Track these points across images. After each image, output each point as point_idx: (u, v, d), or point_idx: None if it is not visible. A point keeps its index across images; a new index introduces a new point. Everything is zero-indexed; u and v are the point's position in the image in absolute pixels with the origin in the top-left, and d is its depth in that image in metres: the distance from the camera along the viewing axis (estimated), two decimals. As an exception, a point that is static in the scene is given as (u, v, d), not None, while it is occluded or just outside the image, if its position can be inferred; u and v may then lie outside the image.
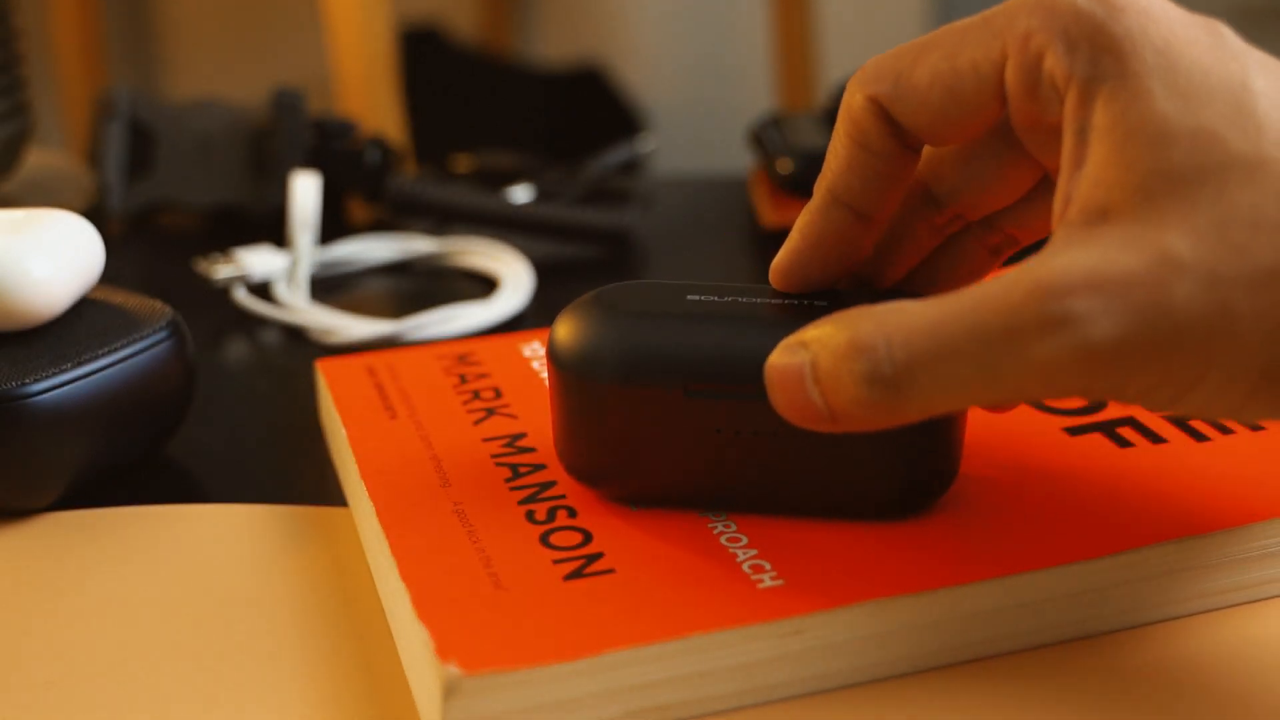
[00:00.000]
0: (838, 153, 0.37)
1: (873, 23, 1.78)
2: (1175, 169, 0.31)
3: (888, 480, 0.36)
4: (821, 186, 0.37)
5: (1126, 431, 0.40)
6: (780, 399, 0.33)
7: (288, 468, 0.46)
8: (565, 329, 0.37)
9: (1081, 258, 0.30)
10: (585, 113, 1.70)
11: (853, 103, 0.36)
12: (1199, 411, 0.31)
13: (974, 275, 0.39)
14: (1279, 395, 0.30)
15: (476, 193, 0.66)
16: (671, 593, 0.33)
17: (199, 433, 0.48)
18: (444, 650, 0.31)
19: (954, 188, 0.38)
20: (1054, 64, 0.33)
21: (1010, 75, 0.33)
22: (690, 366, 0.36)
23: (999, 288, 0.31)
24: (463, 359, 0.47)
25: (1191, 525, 0.35)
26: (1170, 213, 0.30)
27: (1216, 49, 0.33)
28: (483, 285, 0.62)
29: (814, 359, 0.32)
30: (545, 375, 0.46)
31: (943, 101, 0.35)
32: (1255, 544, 0.36)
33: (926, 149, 0.37)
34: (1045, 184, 0.37)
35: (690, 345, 0.36)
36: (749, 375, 0.35)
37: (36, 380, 0.41)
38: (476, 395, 0.44)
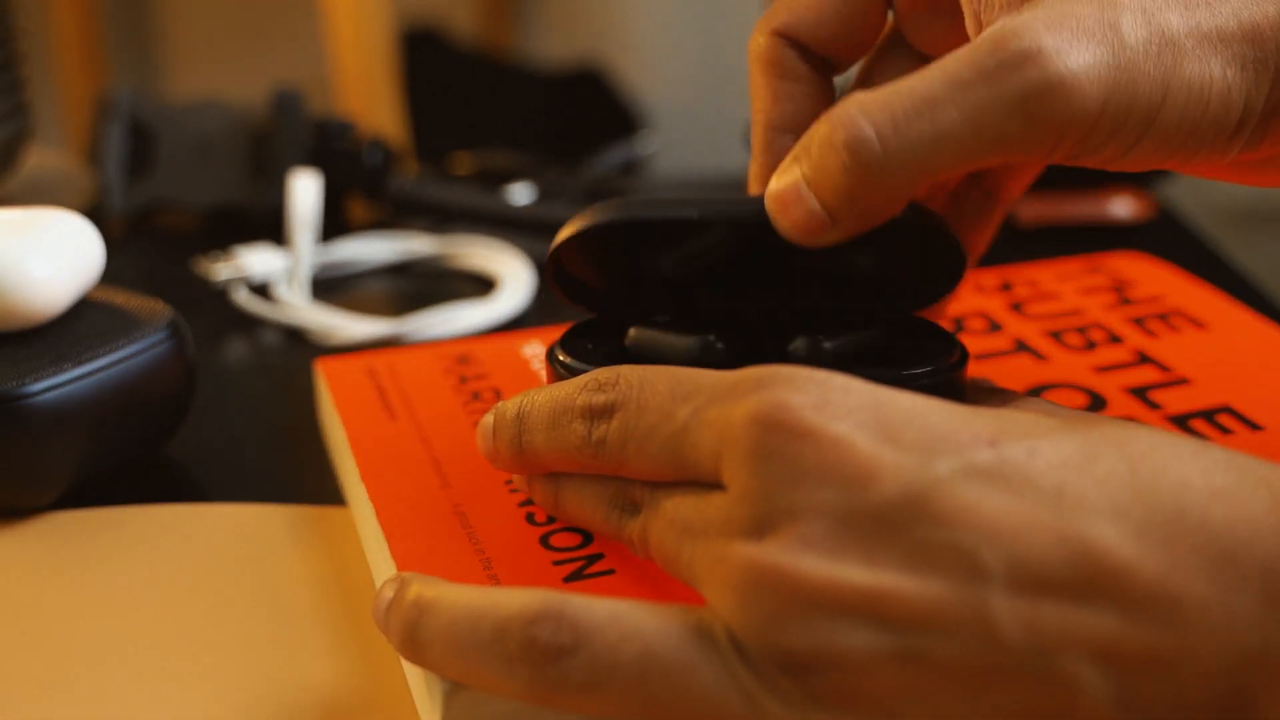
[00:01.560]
0: (761, 93, 0.39)
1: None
2: None
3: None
4: (758, 127, 0.39)
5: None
6: (784, 223, 0.34)
7: (287, 467, 0.46)
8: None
9: (1034, 12, 0.31)
10: (585, 113, 1.70)
11: (761, 42, 0.39)
12: (1160, 148, 0.32)
13: None
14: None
15: (476, 193, 0.66)
16: (671, 593, 0.33)
17: (199, 433, 0.48)
18: (444, 651, 0.31)
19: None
20: None
21: None
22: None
23: (965, 49, 0.32)
24: (463, 360, 0.47)
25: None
26: None
27: None
28: (483, 285, 0.62)
29: (803, 169, 0.33)
30: (545, 376, 0.46)
31: (834, 13, 0.38)
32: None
33: None
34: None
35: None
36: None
37: (36, 380, 0.41)
38: (476, 396, 0.44)
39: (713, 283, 0.39)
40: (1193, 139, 0.32)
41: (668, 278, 0.39)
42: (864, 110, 0.31)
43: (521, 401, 0.35)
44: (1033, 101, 0.31)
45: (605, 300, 0.39)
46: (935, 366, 0.36)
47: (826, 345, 0.36)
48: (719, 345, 0.36)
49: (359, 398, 0.44)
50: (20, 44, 0.71)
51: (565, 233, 0.37)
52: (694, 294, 0.39)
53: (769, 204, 0.34)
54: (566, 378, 0.36)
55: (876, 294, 0.38)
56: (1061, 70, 0.30)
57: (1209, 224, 0.74)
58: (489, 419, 0.36)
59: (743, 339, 0.37)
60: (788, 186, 0.33)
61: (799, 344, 0.36)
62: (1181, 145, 0.32)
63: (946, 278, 0.37)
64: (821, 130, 0.32)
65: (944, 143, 0.31)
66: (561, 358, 0.37)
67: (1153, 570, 0.26)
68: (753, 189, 0.39)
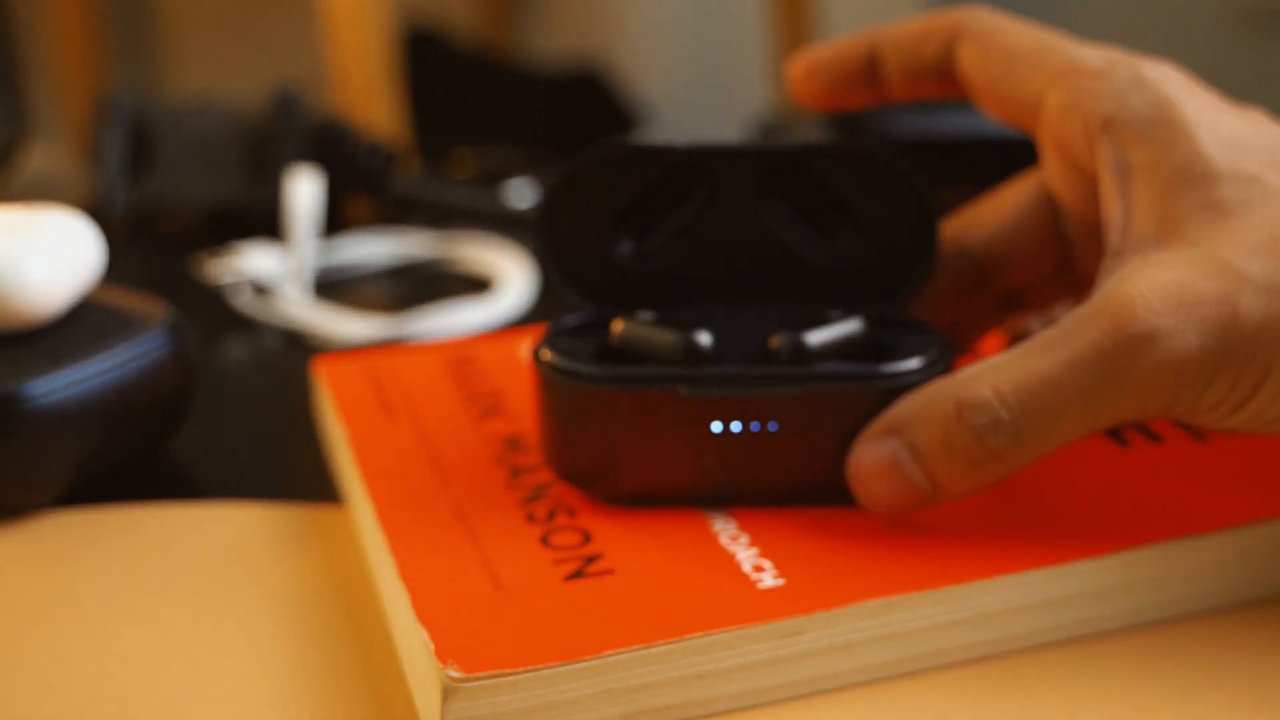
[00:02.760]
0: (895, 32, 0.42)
1: (872, 23, 1.78)
2: (1223, 201, 0.34)
3: None
4: (863, 40, 0.42)
5: (1126, 431, 0.40)
6: (873, 492, 0.34)
7: (287, 467, 0.46)
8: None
9: (1151, 279, 0.33)
10: (585, 113, 1.70)
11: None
12: (1253, 419, 0.34)
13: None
14: None
15: (476, 193, 0.66)
16: (671, 593, 0.33)
17: (199, 433, 0.48)
18: (444, 652, 0.31)
19: (996, 262, 0.41)
20: (1096, 101, 0.36)
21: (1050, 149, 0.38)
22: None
23: (1082, 323, 0.33)
24: (462, 359, 0.47)
25: (1191, 525, 0.35)
26: (1224, 235, 0.33)
27: (1254, 121, 0.36)
28: (483, 285, 0.62)
29: (910, 441, 0.34)
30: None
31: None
32: (1258, 543, 0.36)
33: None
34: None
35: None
36: None
37: (36, 380, 0.41)
38: (477, 396, 0.44)
39: (696, 252, 0.40)
40: None
41: (650, 246, 0.40)
42: (998, 395, 0.33)
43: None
44: (1146, 385, 0.33)
45: (592, 274, 0.40)
46: (919, 363, 0.36)
47: (805, 339, 0.36)
48: (704, 343, 0.36)
49: (358, 397, 0.44)
50: (20, 44, 0.71)
51: (553, 190, 0.38)
52: (677, 262, 0.40)
53: (853, 471, 0.35)
54: (551, 379, 0.36)
55: (855, 276, 0.39)
56: (1173, 355, 0.32)
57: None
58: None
59: (727, 333, 0.37)
60: (883, 457, 0.34)
61: (781, 339, 0.36)
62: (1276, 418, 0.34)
63: (921, 263, 0.39)
64: (942, 407, 0.34)
65: (1064, 423, 0.33)
66: (545, 357, 0.37)
67: None
68: (824, 52, 0.42)
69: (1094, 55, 0.38)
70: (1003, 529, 0.35)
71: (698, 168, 0.39)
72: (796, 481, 0.36)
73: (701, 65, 1.87)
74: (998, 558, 0.34)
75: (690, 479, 0.36)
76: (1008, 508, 0.36)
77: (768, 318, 0.38)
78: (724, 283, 0.40)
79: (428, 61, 1.71)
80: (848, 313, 0.37)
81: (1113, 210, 0.36)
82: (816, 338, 0.36)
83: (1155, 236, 0.34)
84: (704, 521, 0.36)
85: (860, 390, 0.35)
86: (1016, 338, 0.43)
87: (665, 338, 0.36)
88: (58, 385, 0.41)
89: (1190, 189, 0.34)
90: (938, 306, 0.41)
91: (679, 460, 0.36)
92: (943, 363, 0.36)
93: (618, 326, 0.38)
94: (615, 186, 0.39)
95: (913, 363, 0.36)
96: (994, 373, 0.33)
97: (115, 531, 0.42)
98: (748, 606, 0.33)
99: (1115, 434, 0.40)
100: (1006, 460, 0.33)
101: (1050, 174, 0.39)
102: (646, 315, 0.38)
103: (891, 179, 0.38)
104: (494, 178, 0.68)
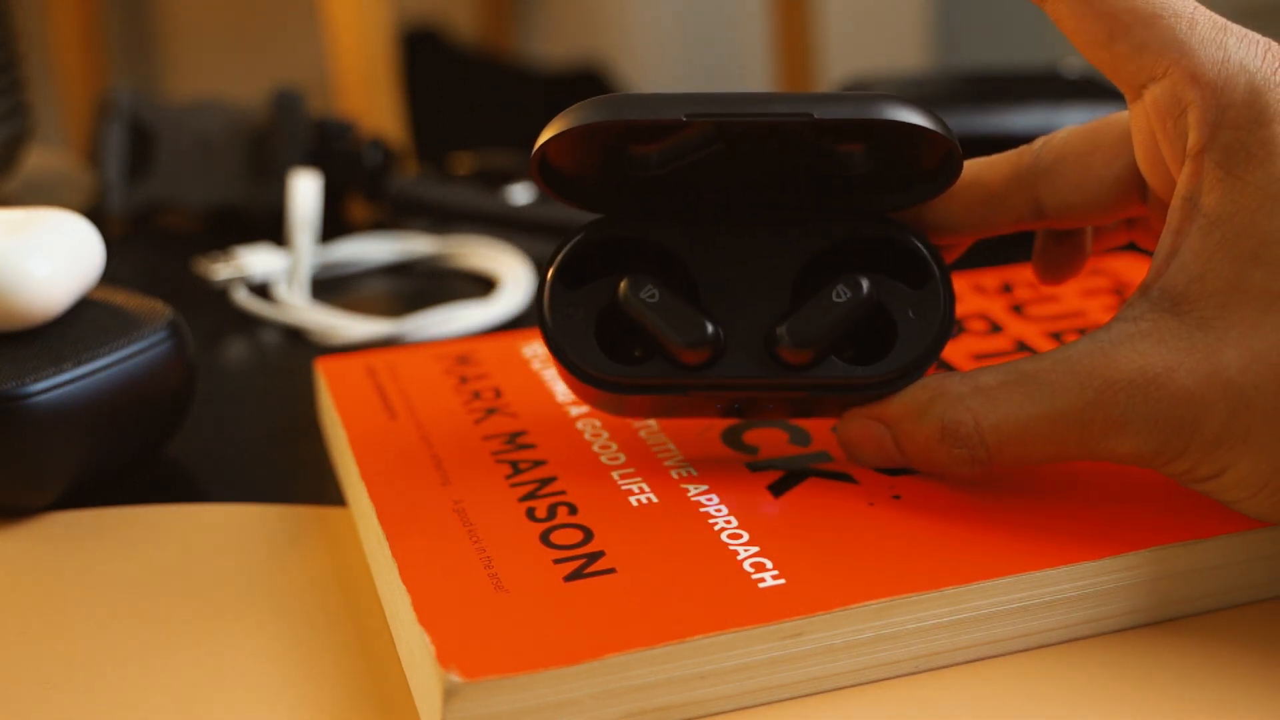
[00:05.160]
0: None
1: (873, 23, 1.78)
2: (1254, 288, 0.33)
3: None
4: None
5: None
6: (856, 453, 0.38)
7: (287, 468, 0.46)
8: None
9: (1147, 355, 0.34)
10: (585, 113, 1.69)
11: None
12: (1222, 497, 0.35)
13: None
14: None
15: (476, 193, 0.66)
16: (671, 593, 0.33)
17: (199, 433, 0.48)
18: (444, 656, 0.31)
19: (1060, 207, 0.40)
20: (1195, 121, 0.34)
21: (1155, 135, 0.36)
22: None
23: (1073, 377, 0.34)
24: (463, 359, 0.47)
25: (1192, 529, 0.35)
26: (1234, 329, 0.33)
27: None
28: (483, 285, 0.62)
29: (896, 436, 0.37)
30: (545, 373, 0.46)
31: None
32: (1258, 549, 0.36)
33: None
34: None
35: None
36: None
37: (36, 380, 0.41)
38: (477, 395, 0.44)
39: (699, 178, 0.39)
40: None
41: (653, 174, 0.38)
42: (979, 431, 0.36)
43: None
44: (1115, 456, 0.35)
45: (590, 196, 0.39)
46: (915, 361, 0.37)
47: (810, 332, 0.37)
48: (710, 342, 0.37)
49: (359, 397, 0.44)
50: (20, 44, 0.71)
51: (547, 133, 0.36)
52: (679, 188, 0.39)
53: (844, 432, 0.38)
54: (562, 364, 0.38)
55: (868, 190, 0.39)
56: (1136, 445, 0.34)
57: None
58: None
59: (733, 314, 0.37)
60: (870, 434, 0.38)
61: (782, 330, 0.37)
62: None
63: (941, 173, 0.38)
64: (930, 426, 0.36)
65: (1033, 459, 0.36)
66: (551, 327, 0.38)
67: None
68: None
69: (1211, 56, 0.34)
70: (1003, 530, 0.35)
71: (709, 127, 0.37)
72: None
73: (701, 65, 1.87)
74: (999, 559, 0.34)
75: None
76: (1008, 509, 0.36)
77: (778, 260, 0.38)
78: (730, 195, 0.39)
79: (428, 61, 1.71)
80: (855, 282, 0.37)
81: (1163, 240, 0.35)
82: (821, 330, 0.37)
83: (1181, 295, 0.34)
84: (704, 517, 0.36)
85: (860, 396, 0.37)
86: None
87: (670, 335, 0.37)
88: (58, 385, 0.41)
89: (1240, 264, 0.33)
90: (981, 230, 0.40)
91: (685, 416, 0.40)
92: (936, 352, 0.37)
93: (623, 290, 0.37)
94: (613, 135, 0.37)
95: (911, 363, 0.37)
96: (981, 402, 0.35)
97: (116, 532, 0.42)
98: (748, 607, 0.33)
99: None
100: (977, 477, 0.37)
101: (1136, 143, 0.37)
102: (650, 292, 0.37)
103: (910, 129, 0.36)
104: (494, 178, 0.68)
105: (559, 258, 0.38)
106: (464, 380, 0.45)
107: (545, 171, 0.38)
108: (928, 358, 0.37)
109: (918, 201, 0.38)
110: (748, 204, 0.39)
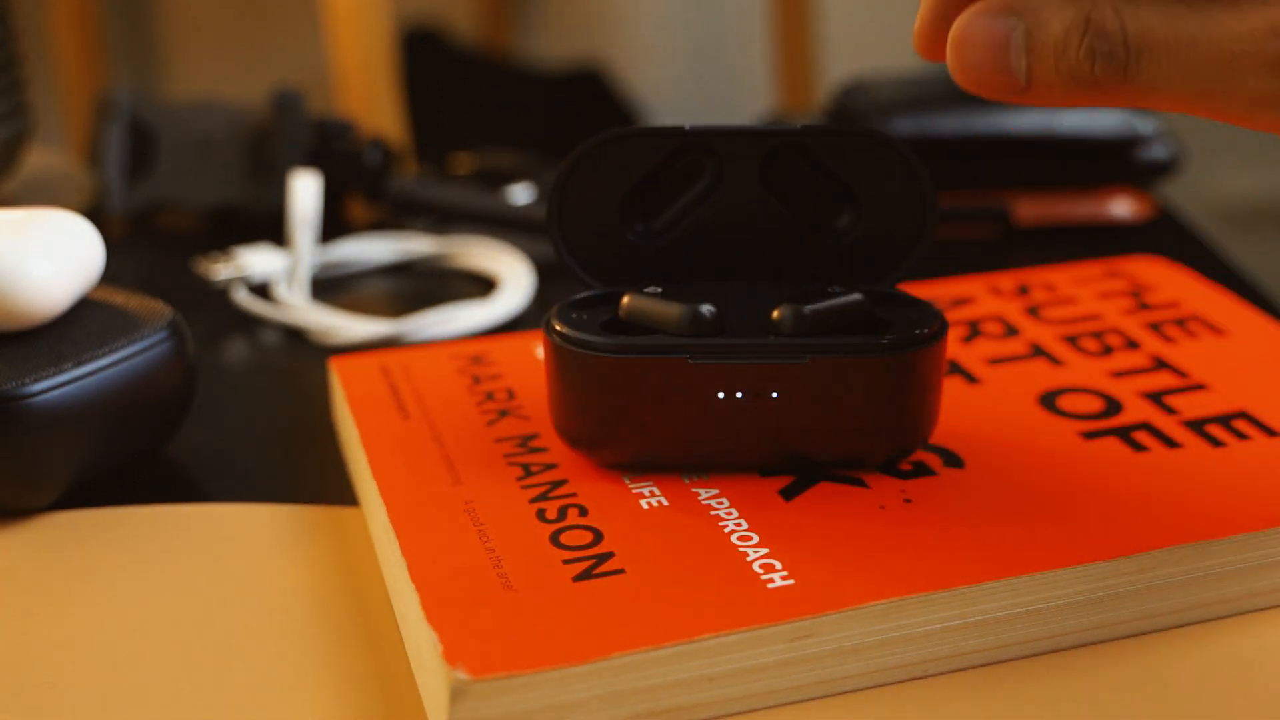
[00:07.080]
0: None
1: (873, 23, 1.78)
2: None
3: (872, 436, 0.38)
4: None
5: (1141, 436, 0.40)
6: (968, 60, 0.33)
7: (287, 468, 0.46)
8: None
9: None
10: (585, 113, 1.69)
11: None
12: None
13: None
14: None
15: (476, 193, 0.66)
16: (680, 594, 0.33)
17: (199, 433, 0.48)
18: (452, 654, 0.31)
19: None
20: None
21: None
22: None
23: (1230, 12, 0.31)
24: (476, 359, 0.47)
25: (1205, 530, 0.35)
26: None
27: None
28: (483, 285, 0.62)
29: (1029, 27, 0.32)
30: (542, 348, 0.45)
31: None
32: (1272, 549, 0.35)
33: None
34: None
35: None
36: None
37: (36, 380, 0.40)
38: (490, 396, 0.44)
39: (701, 233, 0.41)
40: None
41: (659, 228, 0.41)
42: (1123, 33, 0.32)
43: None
44: (1262, 103, 0.31)
45: (602, 253, 0.41)
46: (915, 333, 0.37)
47: (807, 311, 0.37)
48: (708, 314, 0.37)
49: (372, 396, 0.44)
50: (20, 44, 0.71)
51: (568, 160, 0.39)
52: (684, 241, 0.41)
53: (959, 32, 0.33)
54: (563, 347, 0.38)
55: (852, 251, 0.40)
56: None
57: (1209, 224, 0.73)
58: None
59: (732, 306, 0.38)
60: (997, 31, 0.32)
61: (783, 311, 0.37)
62: None
63: (919, 230, 0.40)
64: (1072, 14, 0.32)
65: (1175, 96, 0.32)
66: (558, 328, 0.38)
67: None
68: (918, 43, 0.36)
69: None
70: (1014, 530, 0.35)
71: (704, 150, 0.40)
72: (796, 450, 0.38)
73: (701, 65, 1.87)
74: (1009, 559, 0.34)
75: (693, 445, 0.38)
76: (1020, 509, 0.36)
77: (771, 293, 0.39)
78: (729, 262, 0.41)
79: (428, 61, 1.71)
80: (847, 289, 0.39)
81: None
82: (818, 310, 0.37)
83: None
84: (714, 519, 0.36)
85: (860, 360, 0.37)
86: None
87: (672, 310, 0.38)
88: (58, 385, 0.41)
89: None
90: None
91: (683, 426, 0.37)
92: (941, 333, 0.38)
93: (626, 299, 0.39)
94: (624, 169, 0.40)
95: (912, 334, 0.37)
96: (1129, 8, 0.32)
97: (115, 532, 0.42)
98: (757, 608, 0.32)
99: (1131, 439, 0.40)
100: (1105, 91, 0.32)
101: None
102: (654, 289, 0.39)
103: (890, 160, 0.39)
104: (494, 178, 0.68)
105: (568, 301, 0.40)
106: (477, 380, 0.45)
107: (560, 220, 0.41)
108: (941, 331, 0.38)
109: (899, 270, 0.40)
110: (741, 266, 0.41)
